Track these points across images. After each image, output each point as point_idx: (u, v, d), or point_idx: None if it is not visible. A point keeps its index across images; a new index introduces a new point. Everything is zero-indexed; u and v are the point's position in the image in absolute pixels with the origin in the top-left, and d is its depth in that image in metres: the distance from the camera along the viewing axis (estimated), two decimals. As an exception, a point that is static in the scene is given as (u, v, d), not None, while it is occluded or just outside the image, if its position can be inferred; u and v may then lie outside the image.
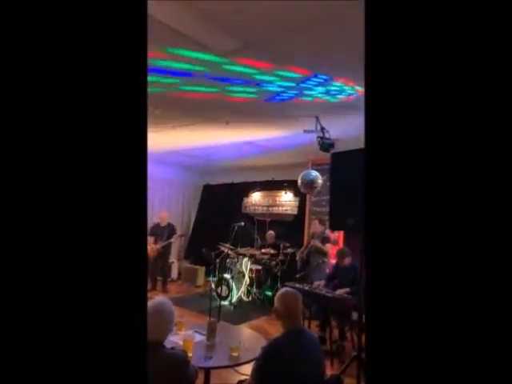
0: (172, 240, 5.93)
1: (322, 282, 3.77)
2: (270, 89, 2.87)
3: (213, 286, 4.79)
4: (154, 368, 1.24)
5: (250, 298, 5.18)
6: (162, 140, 4.74)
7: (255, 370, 1.55)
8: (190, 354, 1.86)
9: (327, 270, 4.21)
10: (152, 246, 5.74)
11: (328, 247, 4.38)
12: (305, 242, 5.58)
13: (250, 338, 2.41)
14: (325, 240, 4.43)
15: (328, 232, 4.58)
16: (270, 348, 1.57)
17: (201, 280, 6.31)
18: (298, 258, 4.71)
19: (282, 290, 1.81)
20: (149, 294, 4.85)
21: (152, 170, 6.25)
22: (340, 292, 3.40)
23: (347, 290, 3.40)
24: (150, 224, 5.91)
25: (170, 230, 5.98)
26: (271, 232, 5.75)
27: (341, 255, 3.69)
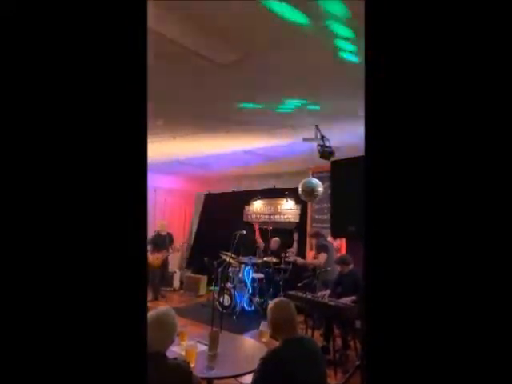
0: (170, 251, 5.95)
1: (328, 292, 3.74)
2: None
3: (215, 295, 4.76)
4: (156, 379, 1.24)
5: (253, 307, 5.14)
6: (163, 150, 4.78)
7: (255, 383, 1.53)
8: (192, 365, 1.85)
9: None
10: (157, 256, 5.73)
11: (321, 257, 4.25)
12: (307, 249, 5.57)
13: (253, 347, 2.39)
14: (321, 249, 4.31)
15: (330, 239, 4.54)
16: (268, 360, 1.54)
17: (203, 289, 6.27)
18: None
19: (274, 300, 1.78)
20: (150, 304, 4.82)
21: (153, 179, 6.28)
22: (345, 300, 3.36)
23: (353, 298, 3.37)
24: (150, 234, 5.92)
25: (169, 239, 5.99)
26: (276, 239, 5.72)
27: (342, 262, 3.68)
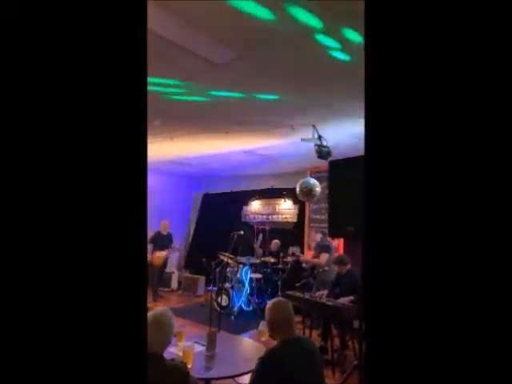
0: (168, 251, 5.96)
1: (325, 292, 3.75)
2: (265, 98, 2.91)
3: (213, 295, 4.75)
4: (153, 380, 1.23)
5: (251, 308, 5.14)
6: (161, 150, 4.77)
7: (252, 383, 1.53)
8: (189, 365, 1.85)
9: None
10: (158, 254, 5.71)
11: (323, 257, 4.27)
12: (305, 249, 5.58)
13: (251, 348, 2.40)
14: (323, 249, 4.35)
15: (329, 239, 4.56)
16: (266, 360, 1.54)
17: (201, 290, 6.27)
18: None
19: (272, 300, 1.79)
20: (149, 305, 4.81)
21: (151, 179, 6.29)
22: (344, 300, 3.37)
23: (351, 298, 3.38)
24: (150, 233, 5.90)
25: (169, 239, 5.99)
26: (276, 241, 5.75)
27: (339, 262, 3.69)
